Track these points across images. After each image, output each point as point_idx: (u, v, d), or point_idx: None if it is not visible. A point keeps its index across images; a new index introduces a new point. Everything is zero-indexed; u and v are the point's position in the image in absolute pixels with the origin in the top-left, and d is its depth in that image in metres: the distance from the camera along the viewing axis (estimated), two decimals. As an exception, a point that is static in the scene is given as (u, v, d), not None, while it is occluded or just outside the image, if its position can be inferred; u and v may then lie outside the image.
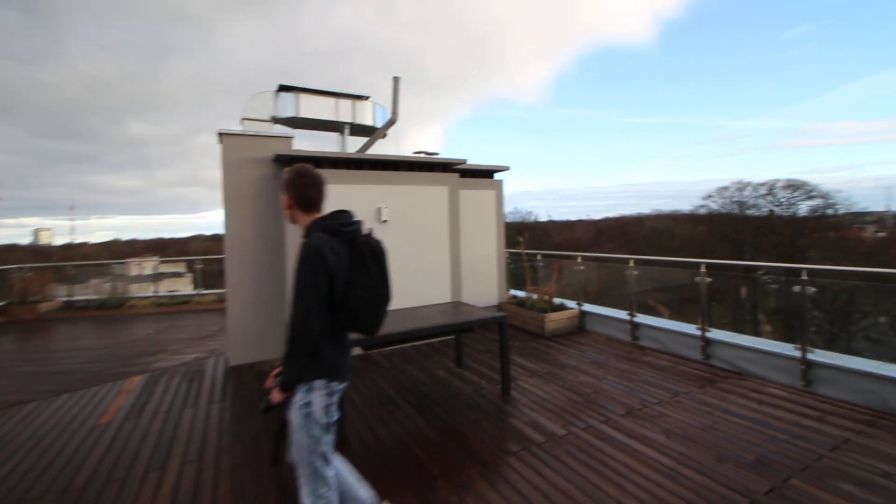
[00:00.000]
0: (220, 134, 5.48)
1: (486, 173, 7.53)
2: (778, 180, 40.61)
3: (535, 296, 6.95)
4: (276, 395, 1.80)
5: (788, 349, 4.25)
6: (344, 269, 1.80)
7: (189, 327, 7.81)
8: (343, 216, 1.91)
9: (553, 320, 6.24)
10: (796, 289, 4.17)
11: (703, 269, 4.96)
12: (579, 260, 6.72)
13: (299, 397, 1.82)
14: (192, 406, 4.21)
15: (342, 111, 7.04)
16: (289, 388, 1.79)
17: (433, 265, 6.29)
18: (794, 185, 39.70)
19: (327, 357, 1.83)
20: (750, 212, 42.03)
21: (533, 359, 5.23)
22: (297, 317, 1.69)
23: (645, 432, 3.36)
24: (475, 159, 7.63)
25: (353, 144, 7.53)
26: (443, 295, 6.31)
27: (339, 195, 5.62)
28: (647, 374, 4.61)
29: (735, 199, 42.36)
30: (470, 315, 4.17)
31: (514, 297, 7.61)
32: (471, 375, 4.72)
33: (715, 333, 4.88)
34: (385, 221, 5.91)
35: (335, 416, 1.88)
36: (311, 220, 1.91)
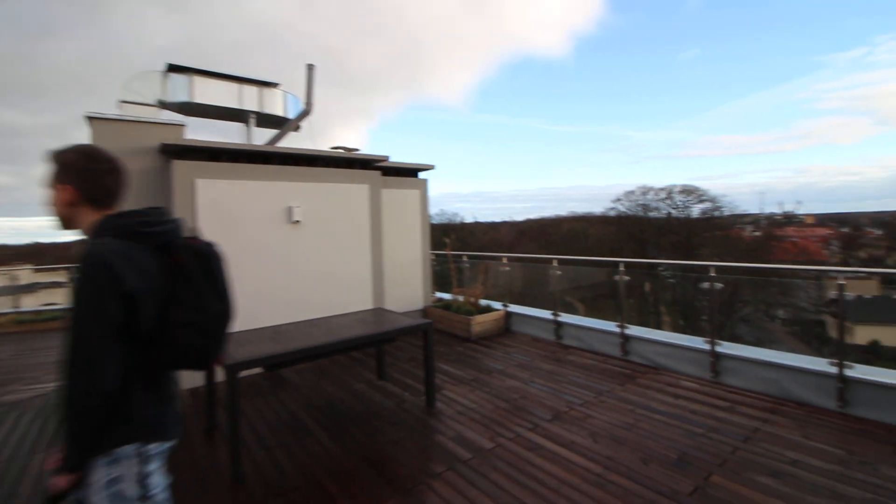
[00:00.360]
0: (90, 118, 4.59)
1: (410, 172, 7.22)
2: (675, 185, 45.09)
3: (461, 298, 6.77)
4: (59, 481, 1.22)
5: (699, 342, 4.44)
6: (153, 286, 1.29)
7: (57, 349, 6.56)
8: (147, 214, 1.39)
9: (479, 323, 6.08)
10: (705, 285, 4.36)
11: (621, 268, 5.07)
12: (504, 261, 6.65)
13: (100, 474, 1.24)
14: (45, 451, 3.40)
15: (247, 99, 6.33)
16: (77, 468, 1.23)
17: (352, 269, 5.85)
18: (688, 190, 44.33)
19: (138, 411, 1.29)
20: (652, 214, 46.22)
21: (459, 365, 5.01)
22: (74, 372, 1.16)
23: (572, 437, 3.25)
24: (401, 159, 7.29)
25: (261, 138, 6.83)
26: (363, 301, 5.88)
27: (243, 193, 4.97)
28: (571, 374, 4.58)
29: (639, 202, 46.35)
30: (392, 323, 3.82)
31: (441, 300, 7.37)
32: (393, 388, 4.37)
33: (633, 330, 5.00)
34: (297, 222, 5.35)
35: (162, 484, 1.35)
36: (98, 219, 1.36)
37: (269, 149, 5.28)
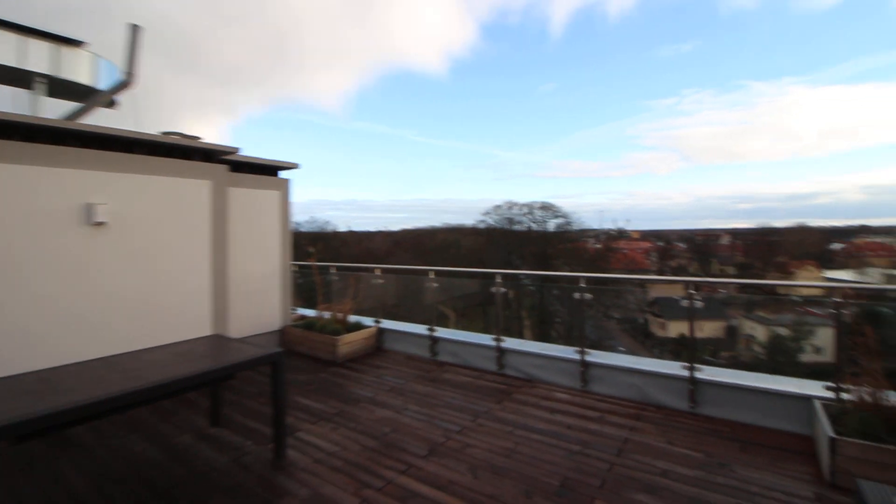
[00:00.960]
0: None
1: (268, 169, 6.23)
2: (535, 202, 49.87)
3: (327, 315, 6.00)
4: None
5: (570, 353, 4.45)
6: None
7: None
8: None
9: (347, 343, 5.40)
10: (576, 295, 4.39)
11: (498, 280, 4.92)
12: (378, 272, 6.10)
13: None
14: None
15: (34, 57, 4.72)
16: None
17: (184, 285, 4.69)
18: (546, 207, 49.34)
19: None
20: (516, 227, 50.34)
21: (321, 395, 4.28)
22: None
23: (451, 475, 2.82)
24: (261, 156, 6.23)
25: (56, 111, 5.19)
26: (198, 325, 4.76)
27: (15, 180, 3.57)
28: (448, 396, 4.21)
29: (505, 215, 50.09)
30: (229, 356, 2.97)
31: (304, 317, 6.48)
32: (231, 436, 3.46)
33: (508, 343, 4.87)
34: (101, 224, 4.07)
35: None
36: None
37: (64, 125, 3.93)
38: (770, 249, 62.22)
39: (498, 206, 50.41)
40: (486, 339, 5.01)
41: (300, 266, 6.89)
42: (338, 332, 5.45)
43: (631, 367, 4.08)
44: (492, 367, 4.90)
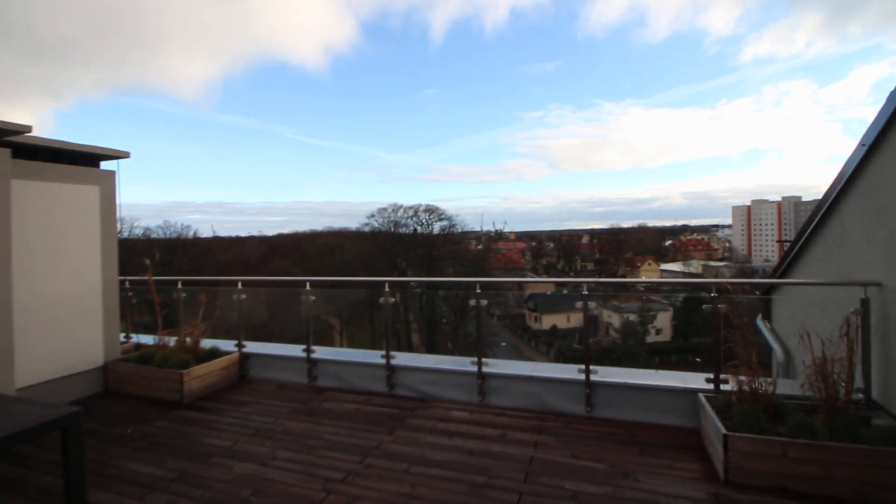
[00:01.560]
0: None
1: (83, 158, 4.78)
2: (420, 205, 50.35)
3: (172, 341, 4.80)
4: None
5: (466, 364, 4.10)
6: None
7: None
8: None
9: (198, 376, 4.34)
10: (472, 302, 4.06)
11: (387, 289, 4.36)
12: (240, 286, 5.07)
13: None
14: None
15: None
16: None
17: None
18: (430, 209, 50.10)
19: None
20: (402, 230, 50.19)
21: (157, 454, 3.25)
22: None
23: (333, 548, 2.19)
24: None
25: None
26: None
27: None
28: (329, 432, 3.52)
29: (391, 218, 49.66)
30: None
31: (141, 346, 5.14)
32: (-3, 542, 2.34)
33: (399, 359, 4.34)
34: None
35: None
36: None
37: None
38: (619, 247, 72.13)
39: (383, 209, 49.71)
40: (374, 357, 4.42)
41: (134, 282, 5.48)
42: (185, 364, 4.33)
43: (529, 374, 3.87)
44: (381, 388, 4.32)
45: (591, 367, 3.69)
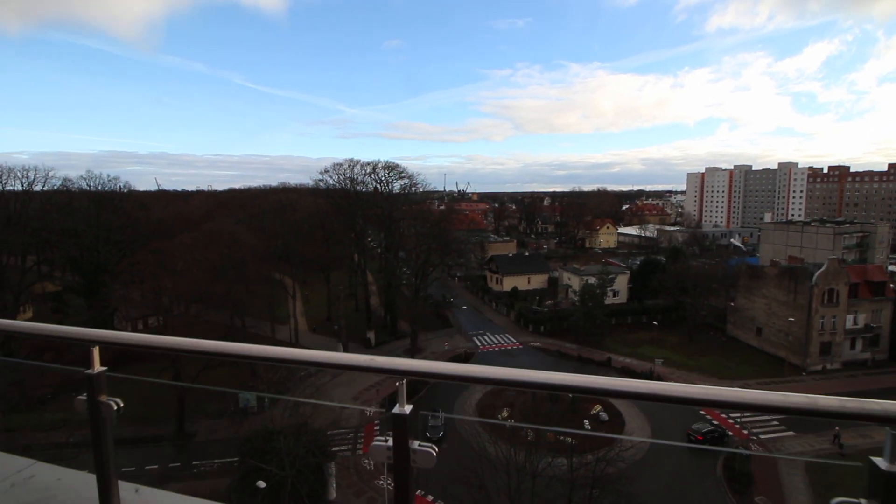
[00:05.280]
0: None
1: None
2: (380, 161, 47.95)
3: None
4: None
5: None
6: None
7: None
8: None
9: None
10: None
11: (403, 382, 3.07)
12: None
13: None
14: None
15: None
16: None
17: None
18: (390, 167, 47.91)
19: None
20: (360, 188, 47.74)
21: None
22: None
23: None
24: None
25: None
26: None
27: None
28: None
29: (347, 175, 47.12)
30: None
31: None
32: None
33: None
34: None
35: None
36: None
37: None
38: (580, 210, 72.80)
39: (339, 164, 46.99)
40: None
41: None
42: None
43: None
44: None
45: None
